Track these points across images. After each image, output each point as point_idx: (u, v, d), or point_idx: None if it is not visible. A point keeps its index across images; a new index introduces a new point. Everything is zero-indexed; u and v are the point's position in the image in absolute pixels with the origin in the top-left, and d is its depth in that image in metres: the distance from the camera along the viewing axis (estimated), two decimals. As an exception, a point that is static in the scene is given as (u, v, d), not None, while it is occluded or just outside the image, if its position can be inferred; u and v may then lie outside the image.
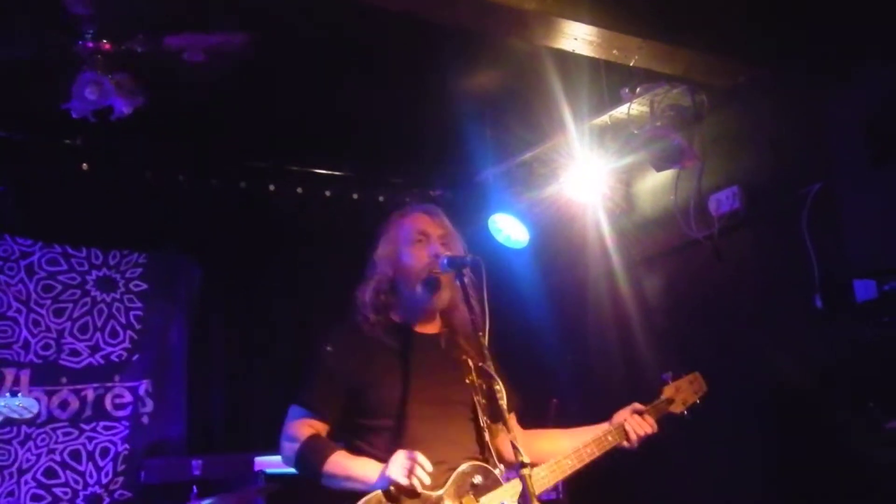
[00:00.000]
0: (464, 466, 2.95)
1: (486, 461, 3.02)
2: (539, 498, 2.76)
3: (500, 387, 2.85)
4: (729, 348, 4.59)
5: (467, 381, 3.08)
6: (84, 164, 5.28)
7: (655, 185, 5.20)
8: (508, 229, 5.65)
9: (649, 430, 3.24)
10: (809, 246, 4.18)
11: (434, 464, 2.81)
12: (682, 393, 3.42)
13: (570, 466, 3.10)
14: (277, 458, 4.79)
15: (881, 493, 3.80)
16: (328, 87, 4.84)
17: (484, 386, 3.05)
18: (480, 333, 2.89)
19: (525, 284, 5.65)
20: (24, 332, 5.26)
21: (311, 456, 3.02)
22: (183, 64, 4.16)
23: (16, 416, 3.66)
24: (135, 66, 4.07)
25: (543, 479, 3.02)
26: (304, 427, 3.09)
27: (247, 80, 4.63)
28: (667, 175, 5.02)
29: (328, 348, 3.18)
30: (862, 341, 4.00)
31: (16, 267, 5.32)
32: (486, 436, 3.04)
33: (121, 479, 5.31)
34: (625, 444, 3.23)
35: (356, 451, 3.03)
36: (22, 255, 5.34)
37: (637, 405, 3.29)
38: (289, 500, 4.60)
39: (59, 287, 5.42)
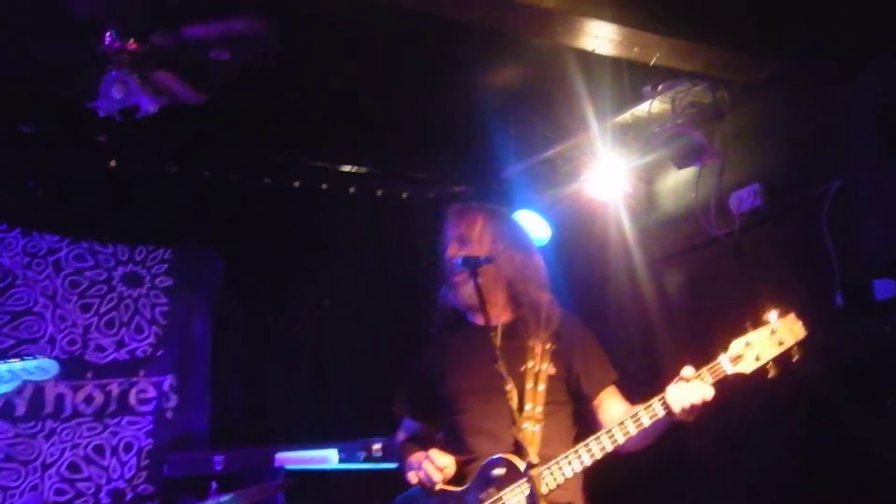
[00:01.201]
0: (488, 460, 2.98)
1: (516, 452, 2.89)
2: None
3: (510, 386, 2.77)
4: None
5: (522, 369, 3.07)
6: (112, 161, 5.33)
7: (677, 182, 5.19)
8: (530, 226, 5.65)
9: (696, 400, 2.75)
10: (830, 243, 4.16)
11: (469, 458, 3.02)
12: (758, 346, 2.78)
13: (601, 449, 2.86)
14: (297, 454, 4.89)
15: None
16: (352, 83, 4.86)
17: (549, 369, 3.07)
18: (493, 333, 2.95)
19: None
20: (51, 328, 5.33)
21: (397, 460, 3.39)
22: (209, 62, 4.21)
23: (35, 378, 3.64)
24: (166, 63, 4.11)
25: (569, 464, 2.88)
26: (400, 433, 3.50)
27: (271, 75, 4.66)
28: (688, 173, 5.01)
29: (418, 356, 3.47)
30: (881, 338, 3.98)
31: (43, 263, 5.38)
32: (523, 424, 2.87)
33: (144, 473, 5.37)
34: (672, 417, 2.81)
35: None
36: (49, 251, 5.41)
37: (686, 370, 2.82)
38: (308, 495, 4.65)
39: (86, 283, 5.48)
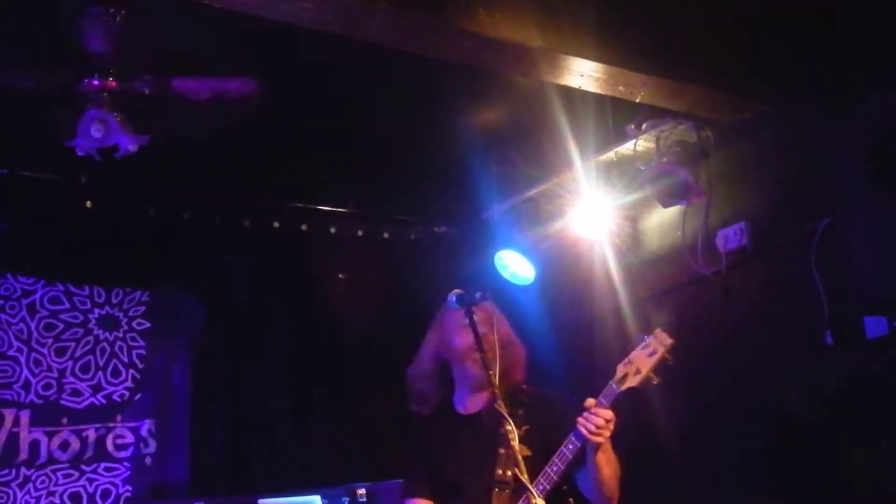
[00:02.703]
0: None
1: None
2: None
3: (510, 427, 3.05)
4: (738, 385, 4.56)
5: (501, 451, 3.39)
6: (88, 202, 5.25)
7: (662, 221, 5.18)
8: (514, 266, 5.62)
9: (599, 422, 3.21)
10: (818, 281, 4.17)
11: None
12: (636, 363, 3.30)
13: (543, 490, 3.22)
14: (281, 501, 4.79)
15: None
16: (333, 122, 4.83)
17: (523, 450, 3.25)
18: (491, 372, 3.17)
19: (531, 321, 5.57)
20: (25, 372, 5.20)
21: None
22: (187, 103, 4.17)
23: None
24: (140, 104, 4.06)
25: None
26: None
27: (250, 117, 4.62)
28: (673, 211, 5.01)
29: (411, 444, 3.71)
30: (873, 377, 3.97)
31: (17, 305, 5.27)
32: (500, 495, 3.32)
33: (122, 522, 5.25)
34: (588, 441, 3.23)
35: None
36: (24, 293, 5.29)
37: (587, 401, 3.29)
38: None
39: (61, 326, 5.36)
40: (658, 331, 3.34)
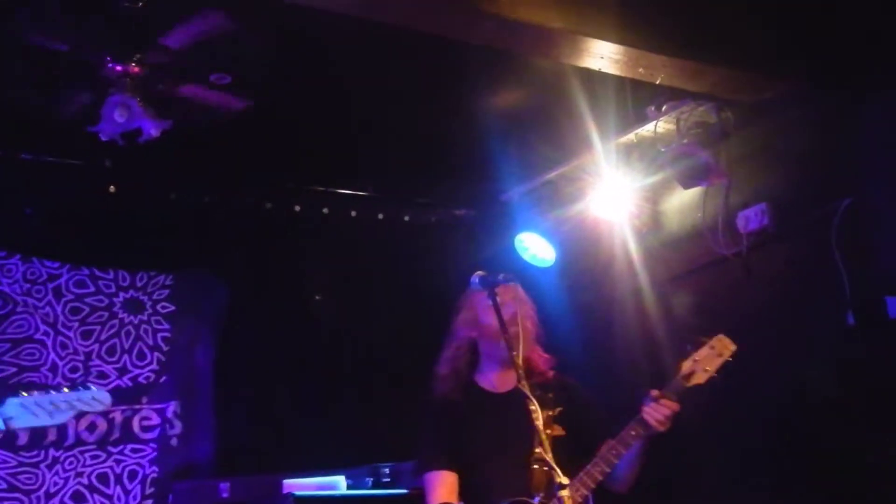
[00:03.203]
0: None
1: (530, 495, 3.27)
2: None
3: (534, 407, 3.07)
4: (759, 364, 4.54)
5: (534, 431, 3.31)
6: (111, 187, 5.30)
7: (682, 202, 5.17)
8: (535, 248, 5.64)
9: (667, 412, 3.32)
10: (840, 262, 4.15)
11: None
12: (703, 362, 3.40)
13: (600, 471, 3.31)
14: (305, 480, 4.84)
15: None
16: (353, 106, 4.85)
17: (554, 430, 3.35)
18: (515, 353, 3.20)
19: (551, 303, 5.58)
20: (52, 355, 5.28)
21: None
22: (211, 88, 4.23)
23: (87, 408, 3.63)
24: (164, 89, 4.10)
25: (577, 491, 3.23)
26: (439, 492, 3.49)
27: (272, 100, 4.65)
28: (694, 193, 5.00)
29: (425, 418, 3.66)
30: (894, 357, 3.96)
31: (43, 290, 5.34)
32: (536, 474, 3.26)
33: (149, 501, 5.31)
34: (650, 432, 3.34)
35: None
36: (49, 277, 5.37)
37: (653, 391, 3.37)
38: (317, 521, 4.59)
39: (87, 309, 5.44)
40: (721, 336, 3.46)
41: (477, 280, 3.30)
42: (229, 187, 5.65)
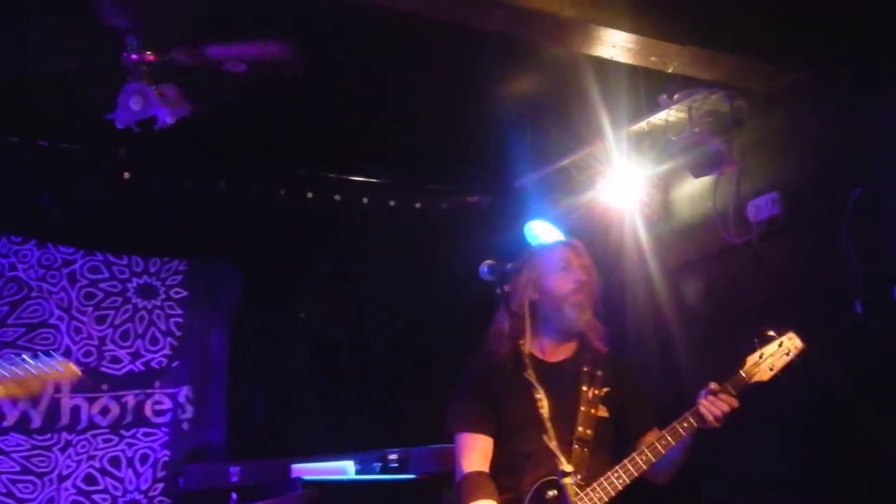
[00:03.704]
0: (537, 486, 3.20)
1: (564, 475, 3.21)
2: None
3: (540, 395, 3.16)
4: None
5: (582, 408, 3.34)
6: (126, 174, 5.33)
7: (693, 191, 5.17)
8: (545, 235, 5.64)
9: (726, 408, 3.22)
10: (850, 251, 4.15)
11: (520, 482, 3.23)
12: (769, 359, 3.30)
13: (645, 461, 3.22)
14: (314, 465, 4.88)
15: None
16: (365, 93, 4.86)
17: (599, 411, 3.35)
18: (521, 342, 3.26)
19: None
20: (66, 340, 5.32)
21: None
22: (224, 74, 4.21)
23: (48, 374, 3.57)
24: (179, 76, 4.11)
25: (618, 478, 3.19)
26: (474, 456, 3.33)
27: (285, 88, 4.66)
28: (705, 181, 5.00)
29: (467, 376, 3.50)
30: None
31: (58, 275, 5.38)
32: (580, 454, 3.26)
33: (160, 485, 5.36)
34: (703, 426, 3.25)
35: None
36: (64, 262, 5.41)
37: (712, 385, 3.27)
38: (326, 506, 4.63)
39: (101, 294, 5.48)
40: (791, 333, 3.36)
41: (486, 269, 3.27)
42: (243, 174, 5.67)
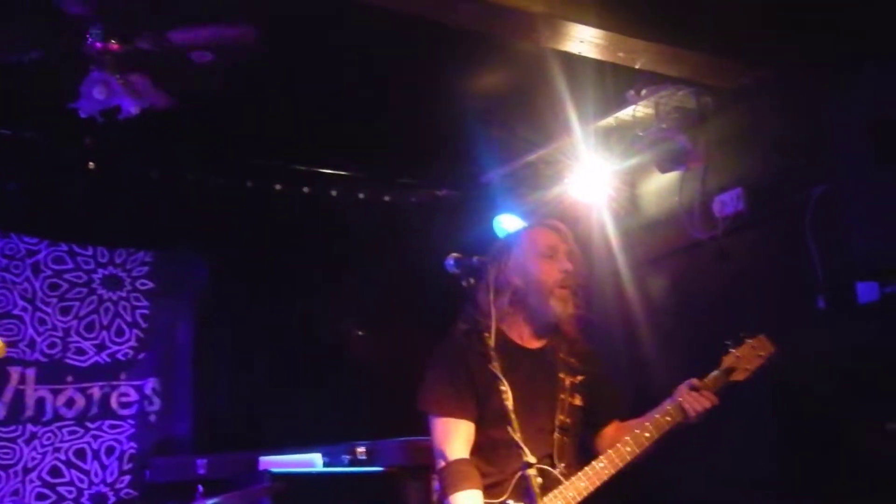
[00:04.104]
0: (522, 473, 3.07)
1: (551, 463, 3.20)
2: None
3: (505, 388, 2.99)
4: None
5: (561, 396, 3.31)
6: (91, 163, 5.29)
7: (660, 186, 5.22)
8: (514, 230, 5.66)
9: (707, 405, 3.27)
10: (813, 247, 4.20)
11: (502, 470, 3.18)
12: (744, 360, 3.39)
13: (628, 453, 3.20)
14: (282, 457, 4.88)
15: (882, 493, 3.82)
16: (334, 86, 4.85)
17: (575, 399, 3.32)
18: (486, 334, 3.10)
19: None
20: (30, 331, 5.28)
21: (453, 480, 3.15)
22: (191, 64, 4.19)
23: None
24: (145, 66, 4.08)
25: (603, 469, 3.16)
26: (457, 444, 3.22)
27: (253, 79, 4.65)
28: (671, 177, 5.05)
29: (448, 356, 3.36)
30: (864, 342, 4.02)
31: (21, 265, 5.33)
32: (562, 443, 3.26)
33: (126, 477, 5.34)
34: (684, 420, 3.28)
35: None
36: (28, 253, 5.36)
37: (693, 381, 3.32)
38: (293, 499, 4.62)
39: (66, 285, 5.44)
40: (763, 337, 3.46)
41: (452, 262, 3.21)
42: (210, 165, 5.64)
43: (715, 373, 3.38)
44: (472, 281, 3.14)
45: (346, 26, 4.24)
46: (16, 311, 5.26)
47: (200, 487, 4.19)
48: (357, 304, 6.05)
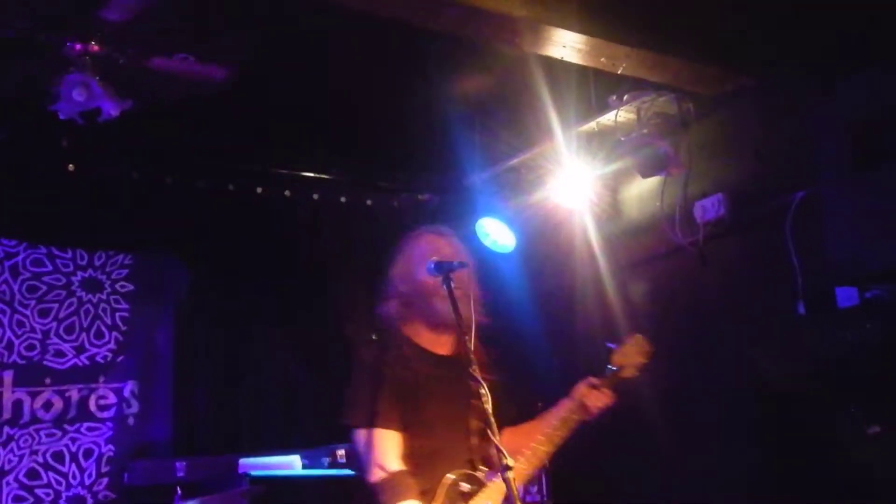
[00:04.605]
0: (448, 477, 3.18)
1: (472, 468, 3.25)
2: (522, 498, 2.91)
3: (484, 391, 2.97)
4: (713, 352, 4.64)
5: (473, 402, 3.25)
6: (70, 165, 5.25)
7: (642, 191, 5.23)
8: (495, 234, 5.67)
9: (607, 401, 3.42)
10: (793, 253, 4.23)
11: (435, 482, 3.18)
12: (629, 358, 3.55)
13: (545, 452, 3.31)
14: (261, 460, 4.86)
15: (862, 497, 3.84)
16: (317, 89, 4.85)
17: (482, 404, 3.22)
18: (466, 337, 3.11)
19: (512, 289, 5.66)
20: (8, 333, 5.24)
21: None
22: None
23: None
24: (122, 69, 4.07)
25: (523, 470, 3.23)
26: (391, 457, 3.21)
27: (235, 82, 4.63)
28: (653, 182, 5.05)
29: (371, 368, 3.36)
30: (844, 347, 4.04)
31: (0, 268, 5.29)
32: (479, 447, 3.29)
33: (104, 480, 5.30)
34: (586, 418, 3.42)
35: None
36: (6, 255, 5.32)
37: (592, 379, 3.45)
38: (272, 502, 4.62)
39: (44, 288, 5.40)
40: (639, 335, 3.62)
41: (432, 266, 3.24)
42: (191, 168, 5.61)
43: (608, 372, 3.51)
44: (452, 284, 3.15)
45: (329, 30, 4.24)
46: (-7, 314, 5.23)
47: (179, 490, 4.19)
48: (338, 308, 6.02)
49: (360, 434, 3.25)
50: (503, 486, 3.02)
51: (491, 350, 3.49)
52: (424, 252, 3.46)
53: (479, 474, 3.23)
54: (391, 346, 3.38)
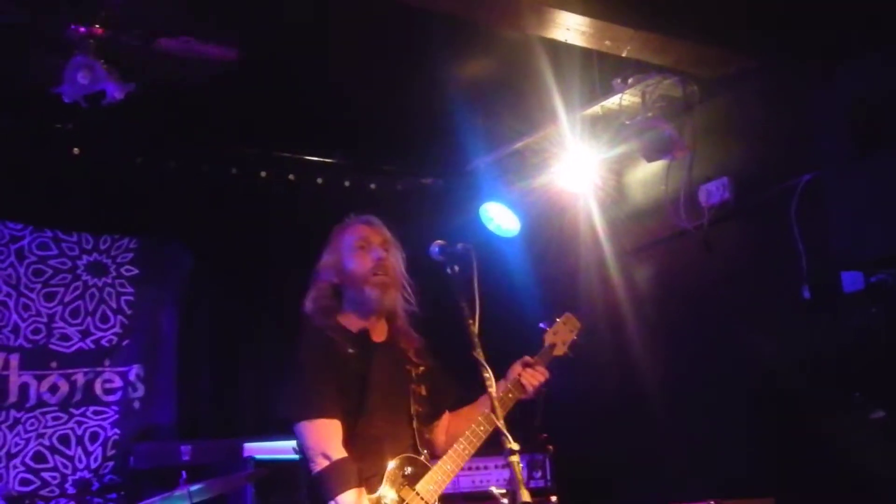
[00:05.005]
0: (392, 463, 3.18)
1: (415, 452, 3.26)
2: (525, 485, 2.91)
3: (489, 374, 2.96)
4: (718, 337, 4.64)
5: (412, 386, 3.37)
6: (75, 149, 5.26)
7: (646, 175, 5.22)
8: (499, 218, 5.67)
9: (542, 379, 3.45)
10: (798, 237, 4.22)
11: (375, 462, 3.16)
12: (560, 336, 3.60)
13: (484, 431, 3.25)
14: (266, 444, 4.87)
15: (864, 480, 3.84)
16: (321, 74, 4.84)
17: (421, 389, 3.39)
18: (470, 321, 3.04)
19: (516, 273, 5.67)
20: (14, 317, 5.26)
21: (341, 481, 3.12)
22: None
23: None
24: (127, 51, 4.06)
25: (464, 450, 3.22)
26: (334, 444, 3.16)
27: (238, 66, 4.62)
28: (657, 165, 5.05)
29: (308, 359, 3.31)
30: (848, 332, 4.04)
31: (6, 251, 5.30)
32: (420, 431, 3.32)
33: (110, 463, 5.32)
34: (523, 395, 3.44)
35: None
36: (12, 238, 5.33)
37: (527, 358, 3.49)
38: (277, 485, 4.63)
39: (50, 271, 5.41)
40: (569, 314, 3.68)
41: (437, 249, 3.24)
42: (195, 152, 5.62)
43: (543, 349, 3.56)
44: (456, 268, 3.16)
45: (331, 14, 4.23)
46: (0, 297, 5.24)
47: (184, 473, 4.19)
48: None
49: (302, 427, 3.19)
50: (447, 468, 3.19)
51: (422, 337, 3.52)
52: (353, 241, 3.46)
53: (421, 458, 3.24)
54: (325, 337, 3.32)
